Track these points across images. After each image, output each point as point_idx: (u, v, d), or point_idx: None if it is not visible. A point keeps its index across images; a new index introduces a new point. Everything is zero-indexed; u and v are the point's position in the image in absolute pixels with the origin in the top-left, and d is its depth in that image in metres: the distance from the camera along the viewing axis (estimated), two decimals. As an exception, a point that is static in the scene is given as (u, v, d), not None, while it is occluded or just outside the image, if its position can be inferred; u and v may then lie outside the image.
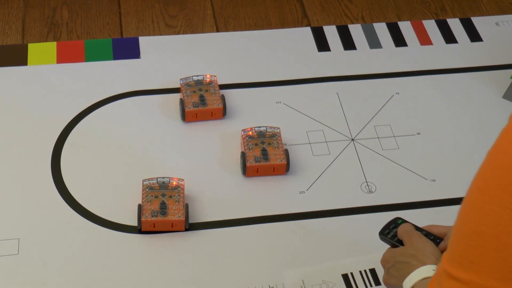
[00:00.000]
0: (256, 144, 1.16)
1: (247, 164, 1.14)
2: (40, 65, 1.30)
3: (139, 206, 1.06)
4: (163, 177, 1.09)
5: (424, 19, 1.46)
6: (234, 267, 1.04)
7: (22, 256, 1.03)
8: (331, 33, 1.41)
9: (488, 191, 0.59)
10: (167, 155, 1.17)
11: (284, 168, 1.15)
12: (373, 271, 1.04)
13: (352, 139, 1.23)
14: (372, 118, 1.26)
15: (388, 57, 1.38)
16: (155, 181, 1.09)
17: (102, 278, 1.02)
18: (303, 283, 1.02)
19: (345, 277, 1.03)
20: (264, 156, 1.14)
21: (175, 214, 1.06)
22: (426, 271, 0.83)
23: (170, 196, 1.07)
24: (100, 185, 1.12)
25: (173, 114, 1.24)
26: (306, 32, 1.41)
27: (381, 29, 1.43)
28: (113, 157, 1.15)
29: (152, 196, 1.07)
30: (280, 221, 1.10)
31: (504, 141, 0.60)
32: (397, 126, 1.25)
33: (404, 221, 0.93)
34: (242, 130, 1.18)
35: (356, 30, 1.42)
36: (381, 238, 0.93)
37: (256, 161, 1.14)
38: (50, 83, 1.28)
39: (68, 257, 1.04)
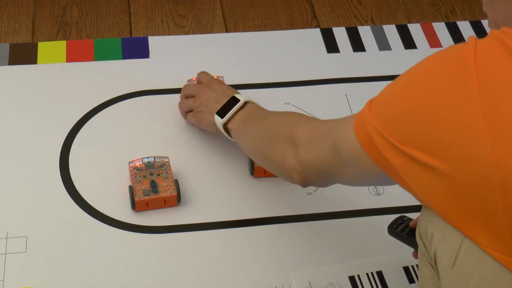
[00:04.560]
0: (264, 145, 1.16)
1: (255, 165, 1.14)
2: (49, 63, 1.31)
3: (130, 188, 1.09)
4: (148, 157, 1.13)
5: (434, 22, 1.46)
6: (240, 267, 1.04)
7: (29, 254, 1.03)
8: (340, 34, 1.42)
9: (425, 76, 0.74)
10: (176, 154, 1.17)
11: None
12: (380, 274, 1.04)
13: (360, 141, 1.23)
14: (380, 120, 1.26)
15: (398, 59, 1.37)
16: (140, 162, 1.12)
17: (110, 277, 1.02)
18: (310, 285, 1.02)
19: (352, 279, 1.03)
20: None
21: (166, 191, 1.09)
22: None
23: (158, 174, 1.11)
24: (108, 184, 1.12)
25: (179, 114, 1.23)
26: (315, 33, 1.42)
27: (391, 31, 1.43)
28: (122, 156, 1.15)
29: (140, 176, 1.10)
30: (287, 222, 1.10)
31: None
32: None
33: (409, 219, 0.96)
34: (250, 130, 1.18)
35: (365, 32, 1.43)
36: (390, 233, 0.94)
37: None
38: (60, 81, 1.28)
39: (75, 255, 1.04)
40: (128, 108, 1.25)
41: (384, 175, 0.76)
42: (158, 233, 1.07)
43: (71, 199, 1.11)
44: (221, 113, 1.09)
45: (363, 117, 0.77)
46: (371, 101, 0.78)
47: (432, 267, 0.79)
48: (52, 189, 1.12)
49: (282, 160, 0.92)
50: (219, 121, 1.08)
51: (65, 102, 1.25)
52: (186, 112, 1.18)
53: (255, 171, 1.14)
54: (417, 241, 0.81)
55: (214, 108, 1.10)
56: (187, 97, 1.18)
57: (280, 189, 1.14)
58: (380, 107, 0.76)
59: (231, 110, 1.08)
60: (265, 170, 1.14)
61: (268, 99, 1.27)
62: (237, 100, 1.08)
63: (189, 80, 1.24)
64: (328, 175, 0.87)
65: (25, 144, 1.18)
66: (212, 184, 1.14)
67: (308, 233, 1.09)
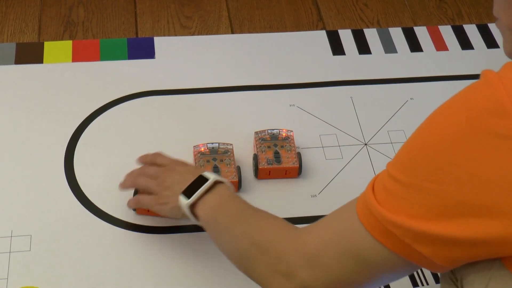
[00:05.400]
0: (268, 147, 1.16)
1: (259, 167, 1.14)
2: (55, 63, 1.31)
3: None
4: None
5: (440, 25, 1.46)
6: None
7: (34, 253, 1.04)
8: (346, 37, 1.41)
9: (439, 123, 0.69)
10: (180, 156, 1.16)
11: (296, 171, 1.15)
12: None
13: (365, 144, 1.23)
14: (385, 123, 1.26)
15: (403, 62, 1.37)
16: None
17: (114, 277, 1.02)
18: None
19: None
20: (277, 159, 1.14)
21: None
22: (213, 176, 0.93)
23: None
24: (113, 184, 1.12)
25: (186, 115, 1.25)
26: (321, 36, 1.42)
27: (397, 34, 1.43)
28: (126, 156, 1.15)
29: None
30: (291, 224, 1.10)
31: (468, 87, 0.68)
32: (411, 132, 1.21)
33: None
34: (255, 132, 1.18)
35: (371, 35, 1.42)
36: None
37: (268, 164, 1.14)
38: (65, 81, 1.28)
39: (80, 255, 1.04)
40: (133, 108, 1.25)
41: (416, 267, 0.71)
42: (163, 233, 1.07)
43: (76, 199, 1.11)
44: (187, 193, 0.93)
45: (370, 209, 0.71)
46: (376, 180, 0.72)
47: (454, 283, 0.77)
48: (57, 188, 1.12)
49: None
50: (184, 202, 0.93)
51: (70, 102, 1.25)
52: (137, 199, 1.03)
53: (260, 172, 1.14)
54: None
55: (180, 189, 0.94)
56: (144, 192, 1.02)
57: (284, 191, 1.14)
58: (396, 192, 0.69)
59: (199, 190, 0.92)
60: (269, 172, 1.14)
61: (273, 101, 1.28)
62: (206, 179, 0.93)
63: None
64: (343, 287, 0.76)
65: (30, 143, 1.18)
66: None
67: (312, 235, 1.09)
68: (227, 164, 1.12)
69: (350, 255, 0.73)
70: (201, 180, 0.94)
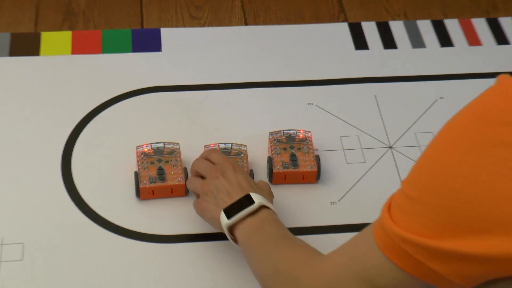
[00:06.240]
0: (284, 149, 1.15)
1: (274, 170, 1.13)
2: (53, 55, 1.31)
3: (136, 174, 1.10)
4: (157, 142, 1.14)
5: (473, 17, 1.45)
6: (256, 284, 1.02)
7: (26, 262, 1.03)
8: (370, 30, 1.41)
9: (432, 156, 0.71)
10: (186, 155, 1.15)
11: (315, 176, 1.14)
12: None
13: (390, 147, 1.22)
14: (412, 124, 1.25)
15: (432, 57, 1.37)
16: (149, 147, 1.13)
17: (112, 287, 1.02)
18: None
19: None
20: (293, 162, 1.13)
21: (174, 179, 1.10)
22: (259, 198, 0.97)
23: (167, 161, 1.11)
24: (114, 189, 1.12)
25: (194, 112, 1.24)
26: (342, 28, 1.41)
27: (425, 27, 1.42)
28: (129, 159, 1.15)
29: (148, 162, 1.11)
30: (308, 233, 1.08)
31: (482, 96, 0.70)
32: None
33: None
34: (269, 133, 1.17)
35: (397, 28, 1.42)
36: None
37: (284, 167, 1.13)
38: (64, 75, 1.28)
39: (76, 265, 1.03)
40: (137, 105, 1.25)
41: None
42: (165, 243, 1.07)
43: (73, 204, 1.10)
44: (229, 212, 0.98)
45: (384, 228, 0.74)
46: (391, 201, 0.75)
47: None
48: (52, 193, 1.12)
49: None
50: (224, 221, 0.98)
51: (68, 98, 1.25)
52: (195, 193, 1.09)
53: (274, 177, 1.13)
54: None
55: (223, 202, 0.99)
56: (198, 175, 1.09)
57: (301, 197, 1.14)
58: (409, 210, 0.72)
59: (241, 213, 0.96)
60: (285, 176, 1.13)
61: (289, 99, 1.28)
62: (251, 202, 0.97)
63: (206, 146, 1.17)
64: None
65: (24, 142, 1.18)
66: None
67: (332, 247, 1.06)
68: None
69: (364, 281, 0.77)
70: (247, 201, 0.98)
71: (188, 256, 1.06)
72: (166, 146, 1.13)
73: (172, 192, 1.10)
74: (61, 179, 1.13)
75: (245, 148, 1.14)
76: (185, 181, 1.10)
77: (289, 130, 1.17)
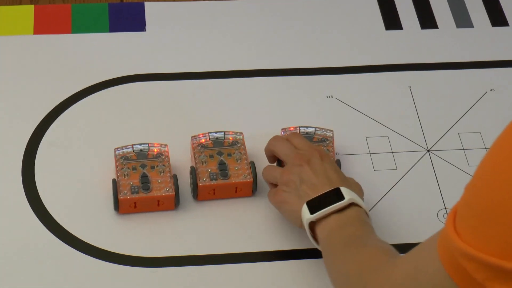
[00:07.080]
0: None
1: (285, 178, 1.15)
2: (11, 35, 1.32)
3: (114, 182, 1.11)
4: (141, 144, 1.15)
5: (534, -10, 1.45)
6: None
7: (-20, 290, 1.04)
8: (404, 5, 1.41)
9: (500, 162, 0.71)
10: (175, 159, 1.17)
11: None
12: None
13: (428, 150, 1.23)
14: (456, 123, 1.26)
15: (481, 40, 1.37)
16: (130, 149, 1.15)
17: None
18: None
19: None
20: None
21: (161, 189, 1.11)
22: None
23: (153, 167, 1.13)
24: (86, 199, 1.13)
25: (185, 107, 1.25)
26: (370, 4, 1.42)
27: (473, 2, 1.42)
28: (106, 162, 1.16)
29: (129, 168, 1.12)
30: (317, 257, 1.07)
31: None
32: (490, 135, 1.25)
33: None
34: (282, 129, 1.18)
35: (438, 3, 1.42)
36: None
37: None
38: (24, 60, 1.29)
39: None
40: (116, 97, 1.26)
41: None
42: (150, 267, 1.07)
43: (38, 220, 1.11)
44: (313, 205, 1.02)
45: (446, 239, 0.76)
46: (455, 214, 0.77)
47: None
48: (11, 205, 1.12)
49: None
50: (306, 215, 1.02)
51: (31, 89, 1.25)
52: (272, 184, 1.13)
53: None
54: None
55: (306, 195, 1.04)
56: (274, 159, 1.15)
57: None
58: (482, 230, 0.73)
59: (328, 208, 1.01)
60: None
61: (304, 91, 1.29)
62: (341, 197, 1.02)
63: (283, 129, 1.20)
64: None
65: (-24, 143, 1.18)
66: (221, 207, 1.15)
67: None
68: (236, 160, 1.14)
69: None
70: (336, 196, 1.02)
71: (179, 283, 1.06)
72: (151, 148, 1.15)
73: (158, 205, 1.12)
74: (22, 190, 1.14)
75: (241, 136, 1.17)
76: (175, 192, 1.11)
77: (306, 127, 1.18)
